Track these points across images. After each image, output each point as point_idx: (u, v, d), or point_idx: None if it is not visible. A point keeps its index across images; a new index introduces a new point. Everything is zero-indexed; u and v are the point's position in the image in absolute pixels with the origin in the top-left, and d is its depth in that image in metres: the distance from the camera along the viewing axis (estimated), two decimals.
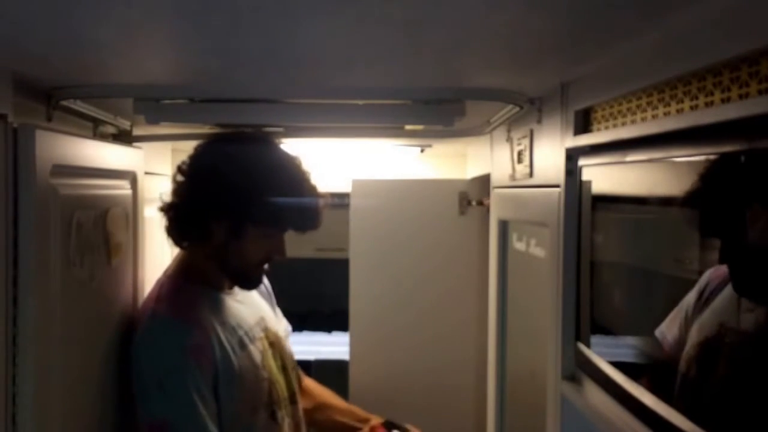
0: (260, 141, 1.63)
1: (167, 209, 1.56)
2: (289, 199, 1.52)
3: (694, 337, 0.89)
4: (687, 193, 0.88)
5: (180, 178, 1.56)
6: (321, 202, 1.58)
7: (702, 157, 0.84)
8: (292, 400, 1.66)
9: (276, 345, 1.67)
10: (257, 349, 1.57)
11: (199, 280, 1.55)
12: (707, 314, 0.87)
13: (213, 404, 1.42)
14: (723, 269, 0.86)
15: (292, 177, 1.55)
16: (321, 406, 1.88)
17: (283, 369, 1.67)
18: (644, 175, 1.03)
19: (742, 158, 0.75)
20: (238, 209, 1.49)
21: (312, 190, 1.57)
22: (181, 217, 1.55)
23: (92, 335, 1.36)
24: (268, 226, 1.53)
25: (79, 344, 1.29)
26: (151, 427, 1.39)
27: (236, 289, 1.62)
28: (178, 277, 1.55)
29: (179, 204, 1.55)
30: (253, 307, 1.68)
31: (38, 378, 1.11)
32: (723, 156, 0.79)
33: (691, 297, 0.90)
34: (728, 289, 0.84)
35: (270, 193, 1.49)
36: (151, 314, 1.46)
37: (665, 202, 0.97)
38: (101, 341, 1.41)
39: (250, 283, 1.62)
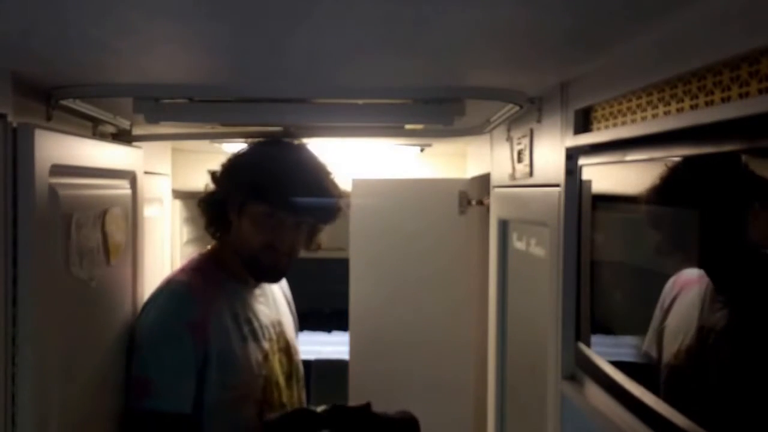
0: (294, 146, 1.71)
1: (201, 204, 1.67)
2: (301, 183, 1.58)
3: (670, 346, 0.89)
4: (686, 192, 0.89)
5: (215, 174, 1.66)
6: (336, 199, 1.63)
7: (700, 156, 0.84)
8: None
9: (286, 352, 1.69)
10: (261, 347, 1.59)
11: (226, 270, 1.62)
12: (677, 321, 0.87)
13: (193, 384, 1.45)
14: (684, 275, 0.86)
15: (308, 169, 1.62)
16: None
17: (288, 378, 1.67)
18: (644, 175, 1.03)
19: (743, 158, 0.75)
20: (244, 188, 1.57)
21: (326, 184, 1.62)
22: (208, 208, 1.66)
23: (92, 335, 1.36)
24: (267, 204, 1.56)
25: (78, 344, 1.29)
26: (137, 381, 1.45)
27: (258, 291, 1.67)
28: (208, 258, 1.65)
29: (210, 197, 1.65)
30: (273, 310, 1.71)
31: (38, 378, 1.11)
32: (719, 155, 0.79)
33: (657, 310, 0.90)
34: (695, 293, 0.84)
35: (281, 178, 1.56)
36: (169, 279, 1.58)
37: (665, 201, 0.97)
38: (101, 341, 1.41)
39: (261, 272, 1.63)
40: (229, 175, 1.63)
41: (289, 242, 1.60)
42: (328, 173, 1.64)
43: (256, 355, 1.56)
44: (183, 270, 1.61)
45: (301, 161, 1.65)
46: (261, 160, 1.63)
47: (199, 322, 1.48)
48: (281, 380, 1.63)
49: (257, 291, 1.67)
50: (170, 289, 1.55)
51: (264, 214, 1.57)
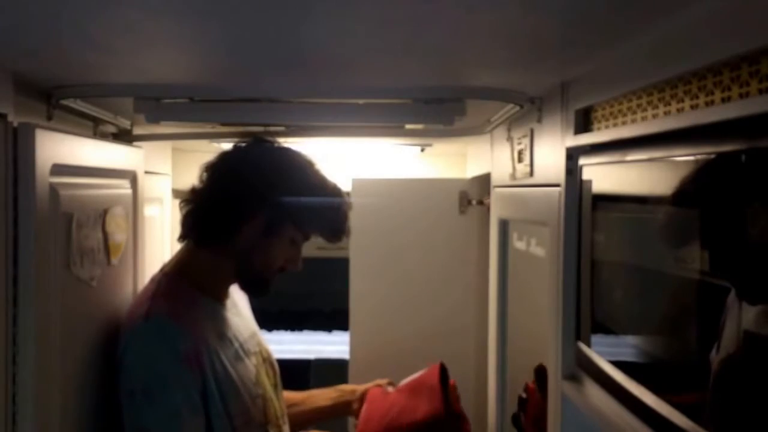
0: (292, 150, 1.60)
1: (193, 203, 1.49)
2: (327, 206, 1.53)
3: (720, 353, 0.86)
4: (686, 192, 0.88)
5: (210, 174, 1.50)
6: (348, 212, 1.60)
7: (702, 157, 0.84)
8: (284, 421, 1.59)
9: (268, 361, 1.62)
10: (252, 364, 1.50)
11: (199, 285, 1.47)
12: (728, 327, 0.84)
13: (202, 416, 1.35)
14: None
15: (331, 185, 1.56)
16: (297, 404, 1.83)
17: (275, 387, 1.60)
18: (644, 175, 1.03)
19: (743, 157, 0.75)
20: (280, 206, 1.46)
21: (345, 200, 1.58)
22: (210, 213, 1.47)
23: (92, 335, 1.36)
24: (306, 229, 1.52)
25: (79, 344, 1.29)
26: None
27: (229, 303, 1.55)
28: (178, 278, 1.47)
29: (211, 199, 1.48)
30: (247, 321, 1.62)
31: (38, 378, 1.11)
32: (723, 155, 0.79)
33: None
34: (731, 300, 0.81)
35: (313, 196, 1.50)
36: (145, 312, 1.36)
37: (665, 201, 0.97)
38: (101, 341, 1.41)
39: (262, 289, 1.54)
40: (257, 182, 1.46)
41: (299, 263, 1.55)
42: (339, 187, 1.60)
43: (249, 374, 1.47)
44: (155, 296, 1.40)
45: (329, 181, 1.57)
46: (293, 176, 1.51)
47: (192, 352, 1.34)
48: (271, 393, 1.55)
49: (228, 303, 1.55)
50: (151, 323, 1.35)
51: (295, 238, 1.51)
